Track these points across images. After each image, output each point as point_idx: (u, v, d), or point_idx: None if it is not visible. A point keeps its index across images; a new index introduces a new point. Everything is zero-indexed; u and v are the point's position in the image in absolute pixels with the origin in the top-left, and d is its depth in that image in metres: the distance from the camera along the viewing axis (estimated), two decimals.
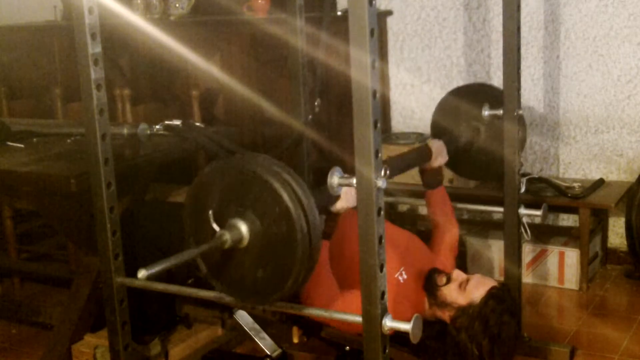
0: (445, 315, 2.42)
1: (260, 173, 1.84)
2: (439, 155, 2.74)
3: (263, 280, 1.90)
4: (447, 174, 3.42)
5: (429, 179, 2.78)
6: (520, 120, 2.83)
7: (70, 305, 2.89)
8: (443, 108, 3.06)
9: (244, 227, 1.88)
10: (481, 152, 2.94)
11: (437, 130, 3.03)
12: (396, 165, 2.61)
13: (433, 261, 2.62)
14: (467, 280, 2.43)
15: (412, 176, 3.66)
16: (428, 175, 2.78)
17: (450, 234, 2.79)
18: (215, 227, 1.90)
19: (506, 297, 2.43)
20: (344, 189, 2.14)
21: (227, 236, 1.87)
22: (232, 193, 1.91)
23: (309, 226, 1.81)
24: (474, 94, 3.02)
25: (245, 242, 1.89)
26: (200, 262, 2.00)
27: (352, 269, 2.34)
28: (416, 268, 2.48)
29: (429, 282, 2.47)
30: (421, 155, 2.73)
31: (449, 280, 2.45)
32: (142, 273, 1.79)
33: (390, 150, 3.82)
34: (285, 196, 1.81)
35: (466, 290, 2.40)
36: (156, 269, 1.81)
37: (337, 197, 2.17)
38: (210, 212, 1.91)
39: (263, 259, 1.88)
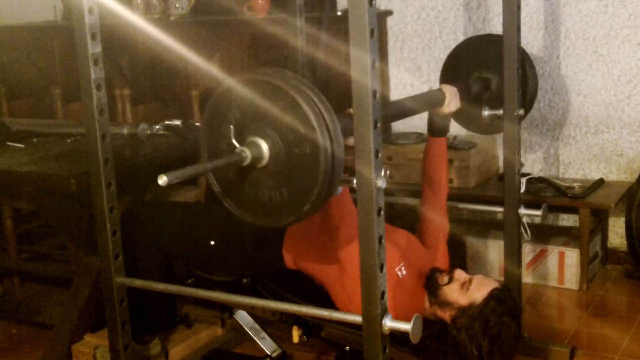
0: (446, 314, 2.42)
1: (287, 89, 1.76)
2: (452, 100, 2.62)
3: (279, 202, 1.83)
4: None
5: (436, 125, 2.67)
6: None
7: (70, 305, 2.89)
8: (454, 57, 3.02)
9: (264, 145, 1.82)
10: (490, 104, 2.86)
11: (447, 80, 2.94)
12: (408, 106, 2.54)
13: (432, 261, 2.62)
14: (470, 281, 2.43)
15: (412, 176, 3.68)
16: (436, 120, 2.67)
17: (443, 230, 2.76)
18: (235, 143, 1.83)
19: (507, 299, 2.43)
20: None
21: (247, 153, 1.81)
22: (253, 109, 1.83)
23: (333, 151, 1.75)
24: (484, 44, 2.98)
25: (265, 161, 1.82)
26: (213, 178, 1.92)
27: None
28: (416, 267, 2.48)
29: (431, 281, 2.47)
30: (434, 98, 2.61)
31: (450, 280, 2.45)
32: (163, 179, 1.71)
33: (390, 151, 3.82)
34: (312, 117, 1.74)
35: (468, 291, 2.40)
36: (176, 175, 1.74)
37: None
38: (232, 126, 1.84)
39: (282, 179, 1.82)
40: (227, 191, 1.94)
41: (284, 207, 1.86)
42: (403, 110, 2.54)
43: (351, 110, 1.92)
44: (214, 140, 1.93)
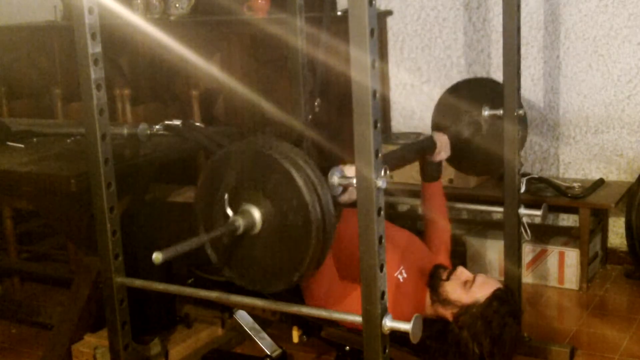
0: (448, 313, 2.42)
1: (279, 159, 1.80)
2: (443, 149, 2.72)
3: (270, 268, 1.88)
4: (448, 173, 3.43)
5: (429, 172, 2.76)
6: (521, 119, 2.82)
7: (70, 305, 2.89)
8: (445, 103, 3.05)
9: (257, 214, 1.86)
10: (482, 148, 2.91)
11: (439, 126, 3.00)
12: (401, 156, 2.61)
13: (433, 260, 2.62)
14: (473, 280, 2.43)
15: (412, 176, 3.67)
16: (428, 167, 2.76)
17: (446, 233, 2.79)
18: (229, 211, 1.87)
19: (510, 299, 2.44)
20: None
21: (240, 222, 1.85)
22: (246, 178, 1.87)
23: (324, 219, 1.79)
24: (475, 89, 3.01)
25: (258, 228, 1.86)
26: (210, 248, 1.97)
27: (350, 266, 2.35)
28: (417, 267, 2.48)
29: (433, 278, 2.47)
30: (425, 147, 2.71)
31: (450, 275, 2.45)
32: (157, 256, 1.76)
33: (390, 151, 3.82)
34: (303, 187, 1.79)
35: (471, 289, 2.40)
36: (170, 253, 1.79)
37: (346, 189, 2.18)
38: (226, 196, 1.88)
39: (273, 247, 1.86)
40: (224, 259, 1.99)
41: (274, 274, 1.90)
42: (395, 161, 2.63)
43: (344, 166, 2.03)
44: (210, 207, 1.97)
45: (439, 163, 2.77)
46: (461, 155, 2.92)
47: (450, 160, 2.88)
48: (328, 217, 1.81)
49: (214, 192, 1.94)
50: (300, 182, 1.79)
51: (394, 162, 2.62)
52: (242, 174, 1.89)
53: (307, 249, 1.81)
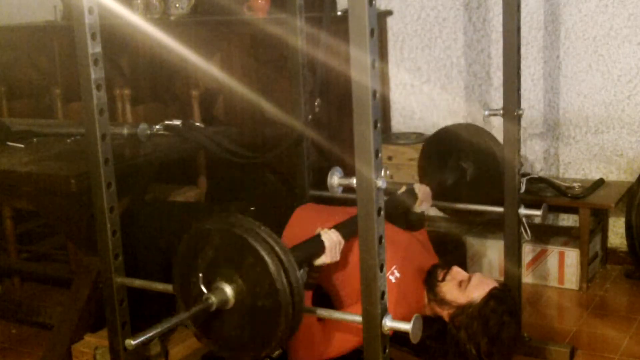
0: (444, 312, 2.42)
1: (253, 244, 1.86)
2: (425, 200, 2.79)
3: (249, 339, 1.94)
4: None
5: (412, 222, 2.80)
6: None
7: (70, 305, 2.89)
8: (429, 150, 3.12)
9: (229, 291, 1.91)
10: (469, 193, 2.99)
11: (424, 174, 3.11)
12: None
13: (431, 260, 2.62)
14: (468, 279, 2.43)
15: (412, 176, 3.67)
16: (410, 217, 2.80)
17: None
18: (203, 289, 1.93)
19: (507, 298, 2.43)
20: (327, 243, 2.19)
21: (213, 299, 1.90)
22: (222, 255, 1.93)
23: (294, 304, 1.84)
24: (459, 134, 3.05)
25: (230, 305, 1.92)
26: (189, 323, 2.04)
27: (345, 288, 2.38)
28: (415, 266, 2.48)
29: (430, 278, 2.47)
30: (407, 199, 2.78)
31: (446, 276, 2.45)
32: (130, 343, 1.84)
33: (390, 151, 3.83)
34: (275, 274, 1.83)
35: (467, 289, 2.40)
36: (146, 336, 1.86)
37: (322, 252, 2.19)
38: (200, 275, 1.94)
39: (246, 322, 1.92)
40: (204, 331, 2.04)
41: (246, 346, 1.96)
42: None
43: (319, 230, 2.14)
44: (187, 280, 2.01)
45: (421, 213, 2.81)
46: (449, 201, 2.99)
47: (437, 207, 2.96)
48: (298, 302, 1.86)
49: (191, 266, 2.00)
50: (272, 268, 1.83)
51: None
52: (217, 251, 1.94)
53: (276, 329, 1.86)
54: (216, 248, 1.94)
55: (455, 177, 2.99)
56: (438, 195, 2.88)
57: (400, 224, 2.71)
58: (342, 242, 2.24)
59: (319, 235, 2.22)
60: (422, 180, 3.05)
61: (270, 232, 1.89)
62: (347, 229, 2.26)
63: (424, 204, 2.79)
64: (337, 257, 2.23)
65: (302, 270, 2.08)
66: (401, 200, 2.76)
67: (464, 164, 2.99)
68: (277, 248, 1.86)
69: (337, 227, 2.26)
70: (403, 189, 2.79)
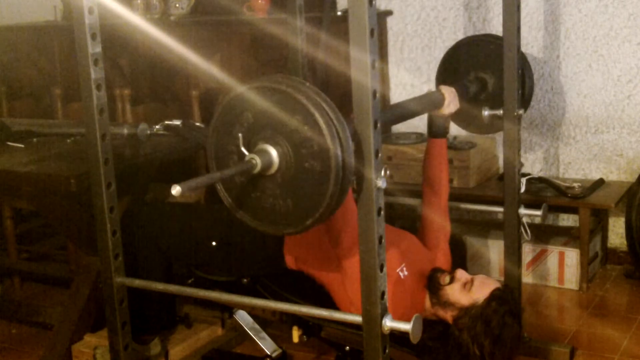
0: (448, 315, 2.42)
1: (302, 101, 1.75)
2: (452, 102, 2.63)
3: (283, 211, 1.83)
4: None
5: (436, 126, 2.68)
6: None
7: (70, 305, 2.89)
8: (451, 58, 3.03)
9: (274, 153, 1.80)
10: (488, 104, 2.87)
11: (444, 81, 2.96)
12: (407, 109, 2.53)
13: (433, 261, 2.62)
14: (472, 281, 2.43)
15: (412, 176, 3.68)
16: (436, 121, 2.68)
17: (444, 230, 2.76)
18: (245, 150, 1.82)
19: (509, 299, 2.43)
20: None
21: (257, 160, 1.80)
22: (264, 116, 1.82)
23: (344, 167, 1.74)
24: (480, 44, 2.98)
25: (274, 169, 1.81)
26: (223, 191, 1.92)
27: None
28: (417, 267, 2.48)
29: (432, 281, 2.47)
30: (434, 99, 2.62)
31: (452, 280, 2.45)
32: (176, 189, 1.73)
33: (390, 151, 3.82)
34: (326, 132, 1.73)
35: (470, 291, 2.40)
36: (189, 185, 1.75)
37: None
38: (240, 135, 1.83)
39: (288, 190, 1.81)
40: (238, 202, 1.94)
41: (287, 218, 1.85)
42: (402, 113, 2.55)
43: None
44: (222, 143, 1.92)
45: (447, 118, 2.69)
46: (467, 112, 2.84)
47: (456, 117, 2.81)
48: (348, 164, 1.75)
49: (229, 130, 1.88)
50: (323, 126, 1.73)
51: (400, 114, 2.56)
52: (259, 112, 1.83)
53: (324, 195, 1.75)
54: (258, 109, 1.82)
55: (476, 88, 2.87)
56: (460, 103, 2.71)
57: None
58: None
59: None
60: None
61: (317, 90, 1.78)
62: None
63: (452, 106, 2.63)
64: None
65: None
66: (428, 100, 2.62)
67: (484, 75, 2.89)
68: (325, 105, 1.76)
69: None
70: (427, 91, 2.67)
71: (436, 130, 2.69)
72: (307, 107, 1.75)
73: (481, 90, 2.90)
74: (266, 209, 1.88)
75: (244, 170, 1.81)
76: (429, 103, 2.61)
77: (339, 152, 1.73)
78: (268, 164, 1.81)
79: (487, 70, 2.89)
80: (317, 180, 1.77)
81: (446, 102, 2.61)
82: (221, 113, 1.92)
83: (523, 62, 2.89)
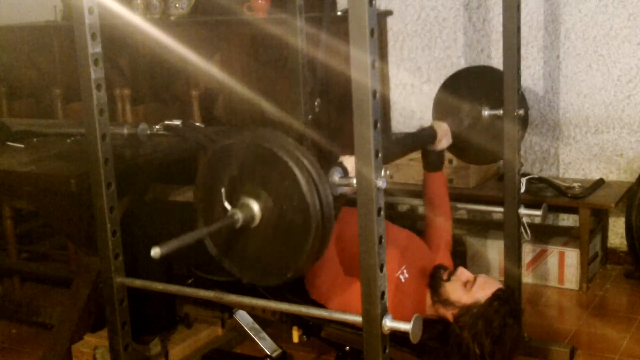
0: (449, 313, 2.42)
1: (281, 156, 1.80)
2: (444, 137, 2.72)
3: (269, 262, 1.88)
4: (447, 172, 3.43)
5: (431, 161, 2.76)
6: (521, 118, 2.82)
7: (70, 305, 2.89)
8: (445, 92, 3.04)
9: (256, 207, 1.85)
10: (483, 136, 2.90)
11: (440, 114, 2.98)
12: (401, 146, 2.62)
13: (434, 260, 2.62)
14: (473, 280, 2.43)
15: (412, 176, 3.67)
16: (430, 156, 2.75)
17: (446, 231, 2.78)
18: (227, 205, 1.87)
19: (510, 300, 2.44)
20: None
21: (239, 215, 1.85)
22: (246, 171, 1.87)
23: (324, 220, 1.79)
24: (475, 77, 3.00)
25: (257, 222, 1.86)
26: (209, 242, 1.97)
27: (352, 266, 2.35)
28: (418, 267, 2.48)
29: (434, 279, 2.47)
30: (426, 136, 2.70)
31: (451, 276, 2.45)
32: (155, 251, 1.77)
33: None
34: (304, 187, 1.78)
35: (472, 290, 2.40)
36: (169, 246, 1.79)
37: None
38: (223, 190, 1.88)
39: (272, 241, 1.86)
40: (224, 252, 1.99)
41: (268, 269, 1.91)
42: (395, 152, 2.63)
43: (344, 157, 2.07)
44: (209, 201, 1.97)
45: (441, 152, 2.76)
46: (462, 144, 2.89)
47: (451, 148, 2.86)
48: (328, 217, 1.81)
49: (214, 184, 1.93)
50: (302, 181, 1.79)
51: (394, 152, 2.62)
52: (242, 167, 1.88)
53: (304, 248, 1.81)
54: (241, 163, 1.87)
55: (471, 120, 2.90)
56: (454, 137, 2.80)
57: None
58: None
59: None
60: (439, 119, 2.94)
61: (298, 145, 1.84)
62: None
63: (444, 141, 2.73)
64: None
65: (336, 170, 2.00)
66: (421, 137, 2.70)
67: (480, 106, 2.91)
68: (305, 161, 1.81)
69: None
70: (421, 128, 2.75)
71: (431, 165, 2.77)
72: (287, 163, 1.80)
73: (476, 121, 2.93)
74: (249, 259, 1.94)
75: (226, 225, 1.86)
76: (422, 140, 2.71)
77: (318, 208, 1.79)
78: (250, 218, 1.87)
79: (482, 102, 2.91)
80: (298, 234, 1.82)
81: (438, 138, 2.71)
82: (208, 163, 1.97)
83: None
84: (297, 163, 1.80)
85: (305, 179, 1.79)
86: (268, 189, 1.84)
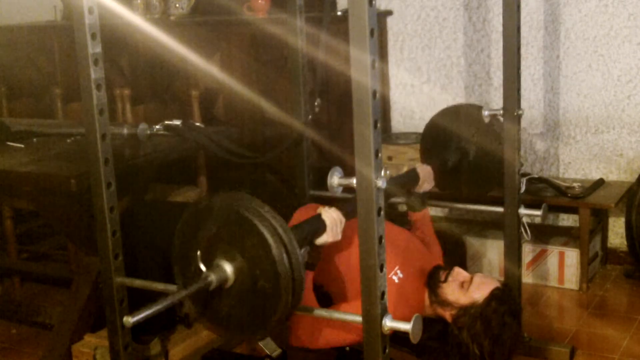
0: (447, 314, 2.42)
1: (257, 224, 1.85)
2: (426, 181, 2.81)
3: (246, 319, 1.93)
4: None
5: (414, 202, 2.83)
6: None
7: (70, 305, 2.89)
8: (431, 131, 3.09)
9: (229, 268, 1.90)
10: (470, 173, 2.98)
11: (426, 154, 3.09)
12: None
13: (433, 261, 2.62)
14: (470, 280, 2.43)
15: None
16: (413, 198, 2.83)
17: (436, 252, 2.81)
18: (202, 267, 1.92)
19: (508, 299, 2.43)
20: (328, 222, 2.16)
21: (213, 277, 1.89)
22: (223, 233, 1.92)
23: (294, 287, 1.84)
24: (460, 115, 3.03)
25: (230, 283, 1.91)
26: (188, 302, 2.02)
27: (346, 284, 2.37)
28: (415, 267, 2.48)
29: (432, 279, 2.47)
30: (409, 180, 2.80)
31: (448, 277, 2.45)
32: (128, 320, 1.82)
33: (390, 151, 3.83)
34: (277, 257, 1.83)
35: (469, 290, 2.40)
36: (142, 315, 1.84)
37: (322, 230, 2.16)
38: (199, 252, 1.93)
39: (244, 302, 1.91)
40: (202, 310, 2.02)
41: (241, 327, 1.95)
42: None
43: (320, 209, 2.11)
44: (187, 260, 2.01)
45: (423, 194, 2.84)
46: (450, 181, 2.98)
47: (438, 187, 2.94)
48: (298, 287, 1.86)
49: (190, 245, 1.99)
50: (274, 250, 1.83)
51: None
52: (218, 229, 1.93)
53: (275, 310, 1.86)
54: (218, 226, 1.92)
55: (457, 158, 2.97)
56: (439, 176, 2.87)
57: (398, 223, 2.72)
58: (343, 220, 2.21)
59: (319, 215, 2.19)
60: (424, 161, 3.02)
61: (274, 214, 1.87)
62: (348, 208, 2.21)
63: (426, 185, 2.82)
64: (339, 236, 2.20)
65: (303, 250, 2.05)
66: (403, 181, 2.77)
67: (466, 145, 2.96)
68: (280, 230, 1.85)
69: (338, 207, 2.22)
70: (405, 170, 2.79)
71: (414, 205, 2.84)
72: (259, 229, 1.84)
73: (462, 160, 2.98)
74: (224, 317, 1.98)
75: (200, 288, 1.90)
76: (405, 184, 2.79)
77: (289, 274, 1.83)
78: (223, 280, 1.91)
79: (468, 141, 2.96)
80: (270, 297, 1.86)
81: (420, 182, 2.80)
82: (185, 224, 2.02)
83: None
84: (270, 232, 1.84)
85: (277, 249, 1.83)
86: (242, 252, 1.89)
